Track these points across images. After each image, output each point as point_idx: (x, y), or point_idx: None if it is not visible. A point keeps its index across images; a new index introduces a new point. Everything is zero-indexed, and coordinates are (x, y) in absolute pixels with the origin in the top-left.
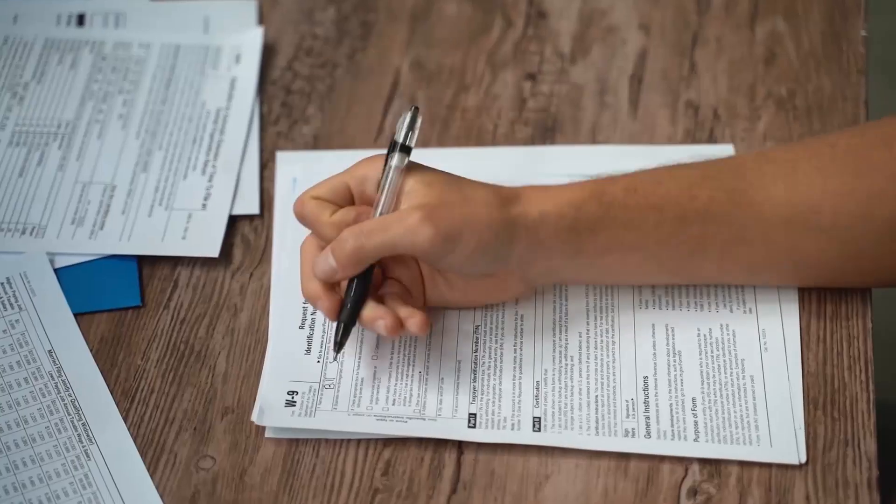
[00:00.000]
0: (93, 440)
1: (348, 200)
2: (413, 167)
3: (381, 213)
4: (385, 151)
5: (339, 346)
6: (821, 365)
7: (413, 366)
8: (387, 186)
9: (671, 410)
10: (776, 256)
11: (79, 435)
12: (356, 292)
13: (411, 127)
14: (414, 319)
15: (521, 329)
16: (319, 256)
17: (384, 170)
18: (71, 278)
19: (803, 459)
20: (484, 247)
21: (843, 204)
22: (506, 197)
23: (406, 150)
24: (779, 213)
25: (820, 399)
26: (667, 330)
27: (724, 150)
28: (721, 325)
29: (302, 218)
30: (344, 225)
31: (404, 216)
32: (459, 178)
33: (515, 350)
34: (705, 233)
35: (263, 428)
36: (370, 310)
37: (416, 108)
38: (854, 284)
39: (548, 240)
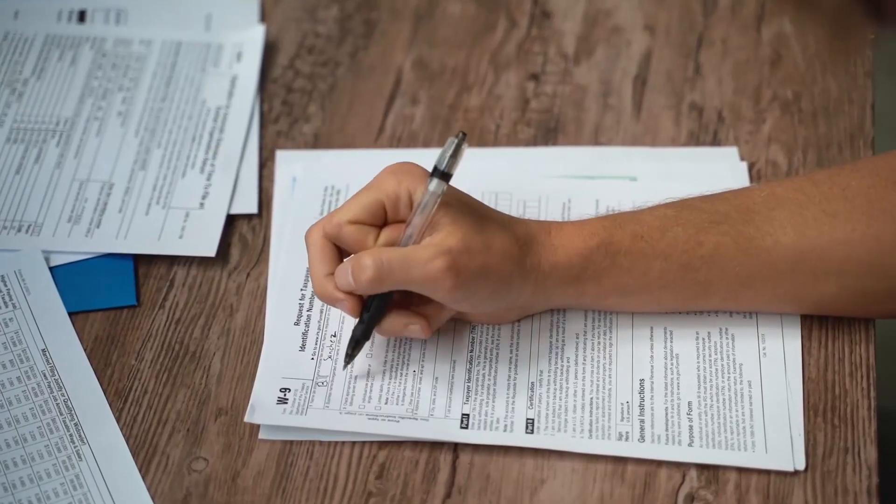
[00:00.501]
0: (85, 440)
1: (384, 219)
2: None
3: (410, 235)
4: (390, 149)
5: (350, 358)
6: (822, 371)
7: (407, 364)
8: (419, 211)
9: (666, 414)
10: (781, 298)
11: (71, 435)
12: (376, 310)
13: (455, 154)
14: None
15: (518, 329)
16: (340, 269)
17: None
18: (66, 277)
19: (801, 466)
20: (496, 295)
21: (853, 251)
22: (522, 243)
23: (446, 177)
24: (786, 259)
25: (820, 406)
26: (665, 333)
27: (728, 152)
28: (720, 329)
29: (338, 241)
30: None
31: (427, 261)
32: (482, 214)
33: (511, 350)
34: (710, 278)
35: (257, 430)
36: (396, 318)
37: (464, 135)
38: (860, 317)
39: (554, 288)
